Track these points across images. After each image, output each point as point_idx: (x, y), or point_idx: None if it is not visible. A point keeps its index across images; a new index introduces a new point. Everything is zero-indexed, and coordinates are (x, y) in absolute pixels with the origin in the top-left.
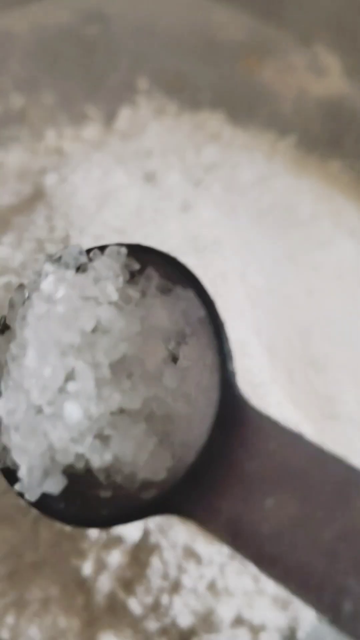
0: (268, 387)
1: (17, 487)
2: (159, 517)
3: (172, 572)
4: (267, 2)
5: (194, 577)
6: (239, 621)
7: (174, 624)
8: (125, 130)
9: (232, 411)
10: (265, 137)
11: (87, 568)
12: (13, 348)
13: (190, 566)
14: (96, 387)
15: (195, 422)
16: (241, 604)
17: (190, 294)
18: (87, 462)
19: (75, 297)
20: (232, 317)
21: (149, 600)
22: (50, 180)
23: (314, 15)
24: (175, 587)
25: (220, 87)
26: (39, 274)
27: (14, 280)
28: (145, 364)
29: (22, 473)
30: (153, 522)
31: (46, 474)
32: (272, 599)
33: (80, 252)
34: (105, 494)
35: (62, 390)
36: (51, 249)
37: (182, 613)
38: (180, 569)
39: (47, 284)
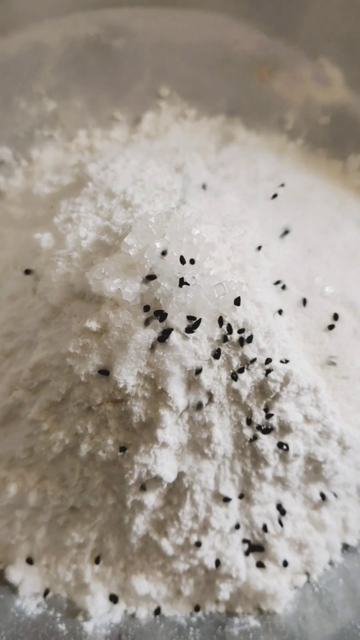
0: (290, 344)
1: None
2: (191, 460)
3: (202, 513)
4: (277, 20)
5: (221, 518)
6: (259, 563)
7: (201, 564)
8: (150, 132)
9: None
10: (276, 139)
11: (125, 511)
12: None
13: (218, 508)
14: None
15: None
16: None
17: None
18: None
19: None
20: (259, 285)
21: (180, 541)
22: (92, 168)
23: (319, 32)
24: (204, 528)
25: (235, 95)
26: None
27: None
28: None
29: None
30: (187, 466)
31: None
32: (289, 542)
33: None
34: None
35: None
36: (99, 223)
37: (209, 555)
38: (209, 510)
39: None
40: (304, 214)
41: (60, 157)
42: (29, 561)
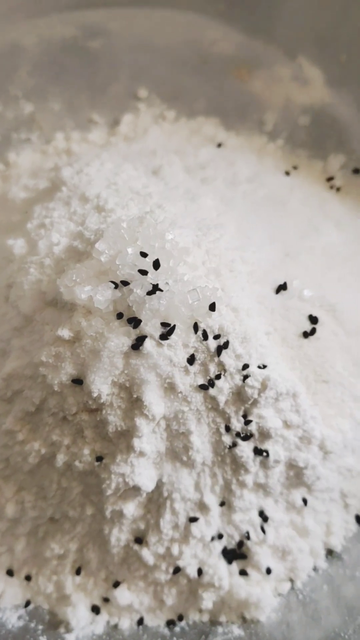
0: (268, 349)
1: None
2: (170, 469)
3: (182, 522)
4: (255, 20)
5: (202, 527)
6: (242, 571)
7: (183, 574)
8: (128, 134)
9: None
10: (256, 139)
11: (104, 521)
12: None
13: (199, 516)
14: None
15: None
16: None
17: None
18: None
19: None
20: (235, 289)
21: (161, 550)
22: (66, 172)
23: (298, 31)
24: (185, 537)
25: (214, 96)
26: None
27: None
28: None
29: None
30: (166, 474)
31: None
32: (272, 549)
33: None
34: None
35: None
36: (72, 229)
37: (191, 564)
38: (190, 519)
39: None
40: (283, 216)
41: (38, 160)
42: (9, 573)
